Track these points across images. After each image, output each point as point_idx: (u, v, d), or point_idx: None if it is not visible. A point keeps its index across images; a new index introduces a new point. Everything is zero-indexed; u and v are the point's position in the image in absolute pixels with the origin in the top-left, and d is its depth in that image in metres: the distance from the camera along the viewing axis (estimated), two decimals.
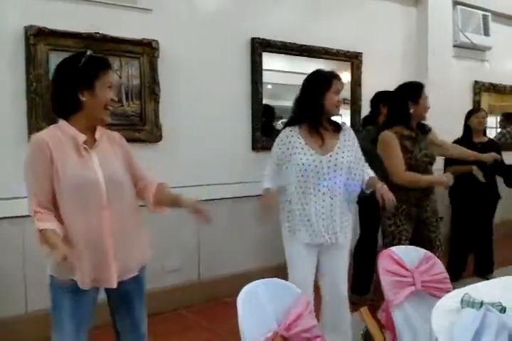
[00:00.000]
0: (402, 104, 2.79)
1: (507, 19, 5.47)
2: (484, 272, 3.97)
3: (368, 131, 3.44)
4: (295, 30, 3.85)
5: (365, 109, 3.96)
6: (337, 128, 2.43)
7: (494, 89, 5.60)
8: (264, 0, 3.70)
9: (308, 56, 3.95)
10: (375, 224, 3.45)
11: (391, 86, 4.29)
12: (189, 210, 1.82)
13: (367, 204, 3.51)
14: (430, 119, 4.25)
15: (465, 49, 5.12)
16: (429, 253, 2.08)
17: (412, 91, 2.82)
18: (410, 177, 2.71)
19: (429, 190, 2.85)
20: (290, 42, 3.79)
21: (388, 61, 4.51)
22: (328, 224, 2.34)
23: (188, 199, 1.83)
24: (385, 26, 4.48)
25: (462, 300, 1.50)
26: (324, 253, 2.42)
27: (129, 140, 3.04)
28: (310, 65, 3.60)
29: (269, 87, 3.85)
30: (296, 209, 2.35)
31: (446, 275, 2.04)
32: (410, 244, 2.64)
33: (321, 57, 4.05)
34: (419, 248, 2.13)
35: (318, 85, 2.36)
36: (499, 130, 5.76)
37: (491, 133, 5.54)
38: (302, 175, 2.32)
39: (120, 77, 3.00)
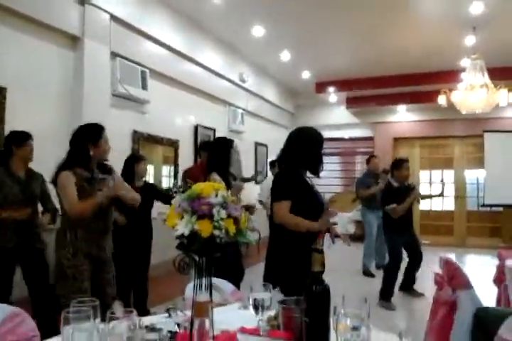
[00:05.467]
0: (82, 146, 2.76)
1: (161, 76, 6.01)
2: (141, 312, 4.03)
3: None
4: None
5: None
6: None
7: (153, 139, 6.01)
8: None
9: None
10: None
11: (43, 125, 4.12)
12: None
13: None
14: None
15: (124, 99, 5.35)
16: (18, 310, 1.86)
17: (92, 134, 2.81)
18: None
19: (108, 227, 2.86)
20: None
21: (41, 101, 4.31)
22: None
23: None
24: (37, 65, 4.28)
25: None
26: None
27: None
28: None
29: None
30: None
31: (35, 333, 1.85)
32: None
33: None
34: (5, 305, 1.89)
35: None
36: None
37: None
38: None
39: None
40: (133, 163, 4.19)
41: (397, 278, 4.82)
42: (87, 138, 2.78)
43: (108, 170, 2.93)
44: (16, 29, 4.04)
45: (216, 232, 1.14)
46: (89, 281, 2.71)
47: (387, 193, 4.92)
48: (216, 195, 1.18)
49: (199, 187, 1.19)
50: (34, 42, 4.23)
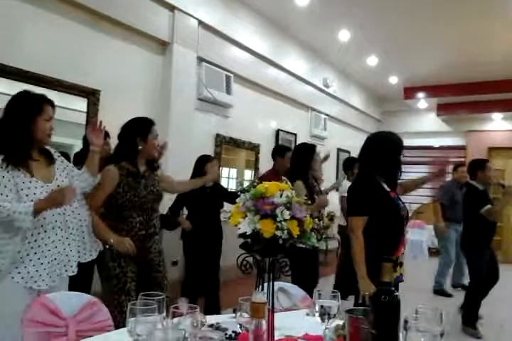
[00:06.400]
0: (131, 140, 2.68)
1: (245, 81, 6.09)
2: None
3: None
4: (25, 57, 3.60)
5: None
6: (49, 157, 2.24)
7: (235, 143, 6.11)
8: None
9: (39, 86, 3.69)
10: None
11: None
12: None
13: None
14: (172, 165, 4.35)
15: (208, 103, 5.48)
16: (95, 300, 1.96)
17: (141, 128, 2.72)
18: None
19: (153, 230, 2.73)
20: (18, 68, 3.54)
21: (131, 103, 4.51)
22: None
23: None
24: (129, 69, 4.51)
25: None
26: None
27: None
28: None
29: None
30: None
31: (109, 322, 1.93)
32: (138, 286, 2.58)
33: (54, 89, 3.82)
34: (84, 294, 1.99)
35: (27, 110, 2.11)
36: None
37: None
38: None
39: None
40: (203, 163, 4.08)
41: (483, 298, 4.36)
42: (136, 132, 2.69)
43: (155, 168, 2.82)
44: (109, 35, 4.28)
45: (278, 233, 1.11)
46: (134, 282, 2.63)
47: (473, 198, 4.35)
48: (281, 195, 1.15)
49: (264, 186, 1.17)
50: (126, 47, 4.47)
